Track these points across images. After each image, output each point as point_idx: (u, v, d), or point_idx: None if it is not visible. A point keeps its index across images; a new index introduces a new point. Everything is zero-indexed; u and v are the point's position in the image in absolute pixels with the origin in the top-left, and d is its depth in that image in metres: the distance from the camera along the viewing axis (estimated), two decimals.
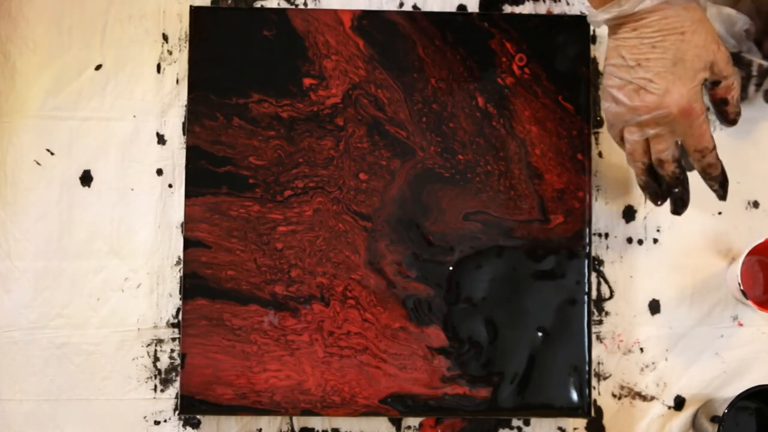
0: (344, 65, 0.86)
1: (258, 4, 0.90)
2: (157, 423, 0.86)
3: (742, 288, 0.83)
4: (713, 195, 0.78)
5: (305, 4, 0.90)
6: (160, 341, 0.87)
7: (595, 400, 0.87)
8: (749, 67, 0.86)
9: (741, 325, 0.88)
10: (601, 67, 0.89)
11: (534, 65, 0.86)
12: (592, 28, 0.88)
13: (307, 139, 0.86)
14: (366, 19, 0.86)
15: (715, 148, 0.76)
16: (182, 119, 0.88)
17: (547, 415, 0.85)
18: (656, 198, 0.79)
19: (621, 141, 0.78)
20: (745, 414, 0.86)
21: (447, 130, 0.86)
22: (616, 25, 0.75)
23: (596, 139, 0.89)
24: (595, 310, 0.88)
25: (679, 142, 0.77)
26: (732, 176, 0.88)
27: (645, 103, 0.74)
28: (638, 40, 0.74)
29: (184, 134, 0.88)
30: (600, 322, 0.88)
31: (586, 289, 0.85)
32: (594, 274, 0.88)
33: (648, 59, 0.74)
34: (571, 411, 0.84)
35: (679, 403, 0.87)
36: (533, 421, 0.87)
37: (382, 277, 0.85)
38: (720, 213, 0.88)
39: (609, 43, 0.76)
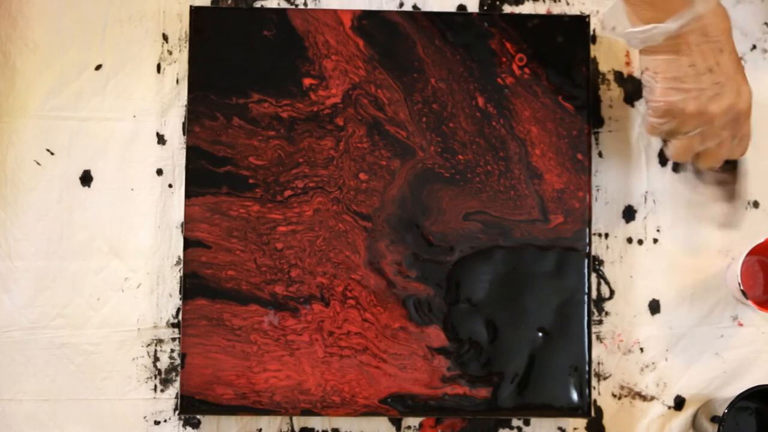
0: (344, 65, 0.86)
1: (258, 4, 0.90)
2: (157, 423, 0.86)
3: (742, 288, 0.83)
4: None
5: (305, 4, 0.90)
6: (160, 341, 0.87)
7: (595, 400, 0.87)
8: None
9: (741, 325, 0.88)
10: (602, 67, 0.89)
11: (534, 65, 0.86)
12: (592, 28, 0.88)
13: (307, 139, 0.86)
14: (366, 19, 0.86)
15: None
16: (182, 119, 0.88)
17: (547, 415, 0.85)
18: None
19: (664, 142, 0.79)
20: (745, 414, 0.86)
21: (447, 130, 0.86)
22: (678, 36, 0.71)
23: (596, 139, 0.89)
24: (595, 310, 0.88)
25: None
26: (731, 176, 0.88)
27: (722, 107, 0.72)
28: (708, 45, 0.71)
29: (184, 134, 0.88)
30: (600, 322, 0.88)
31: (586, 289, 0.85)
32: (594, 274, 0.88)
33: (718, 63, 0.72)
34: (571, 411, 0.84)
35: (679, 403, 0.87)
36: (533, 421, 0.87)
37: (382, 277, 0.85)
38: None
39: (661, 57, 0.73)
